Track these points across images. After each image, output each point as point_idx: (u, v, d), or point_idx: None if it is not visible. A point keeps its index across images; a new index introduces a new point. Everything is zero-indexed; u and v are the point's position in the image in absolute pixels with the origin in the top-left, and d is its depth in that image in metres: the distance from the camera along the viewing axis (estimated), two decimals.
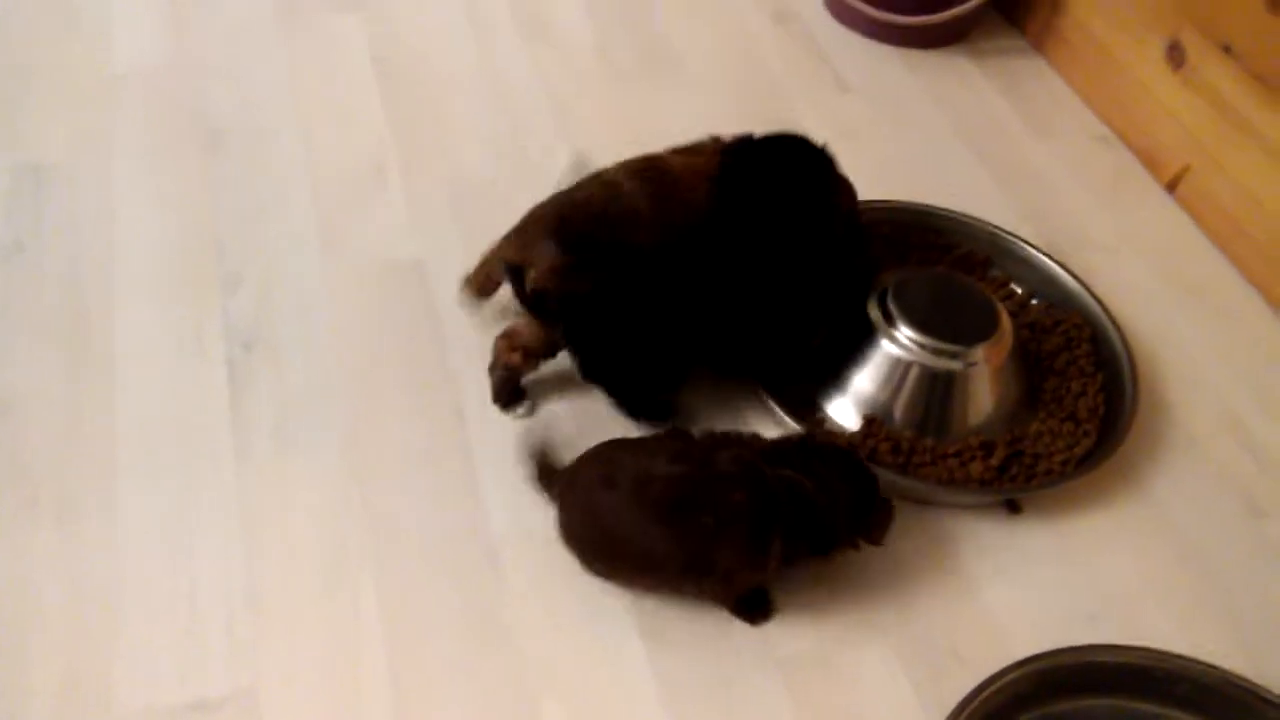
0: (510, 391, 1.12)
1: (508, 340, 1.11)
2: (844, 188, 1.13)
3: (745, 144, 1.09)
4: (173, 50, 1.49)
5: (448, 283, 1.23)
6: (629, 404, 1.11)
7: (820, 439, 1.01)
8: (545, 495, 0.99)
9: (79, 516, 1.01)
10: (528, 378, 1.12)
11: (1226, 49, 1.32)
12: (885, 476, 1.03)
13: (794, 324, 1.12)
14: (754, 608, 0.98)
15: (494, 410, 1.12)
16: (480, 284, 1.11)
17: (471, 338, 1.18)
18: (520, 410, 1.12)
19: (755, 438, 0.98)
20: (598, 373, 1.09)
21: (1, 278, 1.19)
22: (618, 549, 0.94)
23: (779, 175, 1.08)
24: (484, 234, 1.27)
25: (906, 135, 1.49)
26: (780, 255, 1.07)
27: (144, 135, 1.37)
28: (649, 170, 1.06)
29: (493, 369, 1.12)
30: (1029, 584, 1.03)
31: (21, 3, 1.54)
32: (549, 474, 0.99)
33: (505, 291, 1.07)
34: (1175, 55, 1.39)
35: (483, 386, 1.13)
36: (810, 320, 1.13)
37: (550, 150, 1.40)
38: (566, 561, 0.98)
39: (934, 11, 1.57)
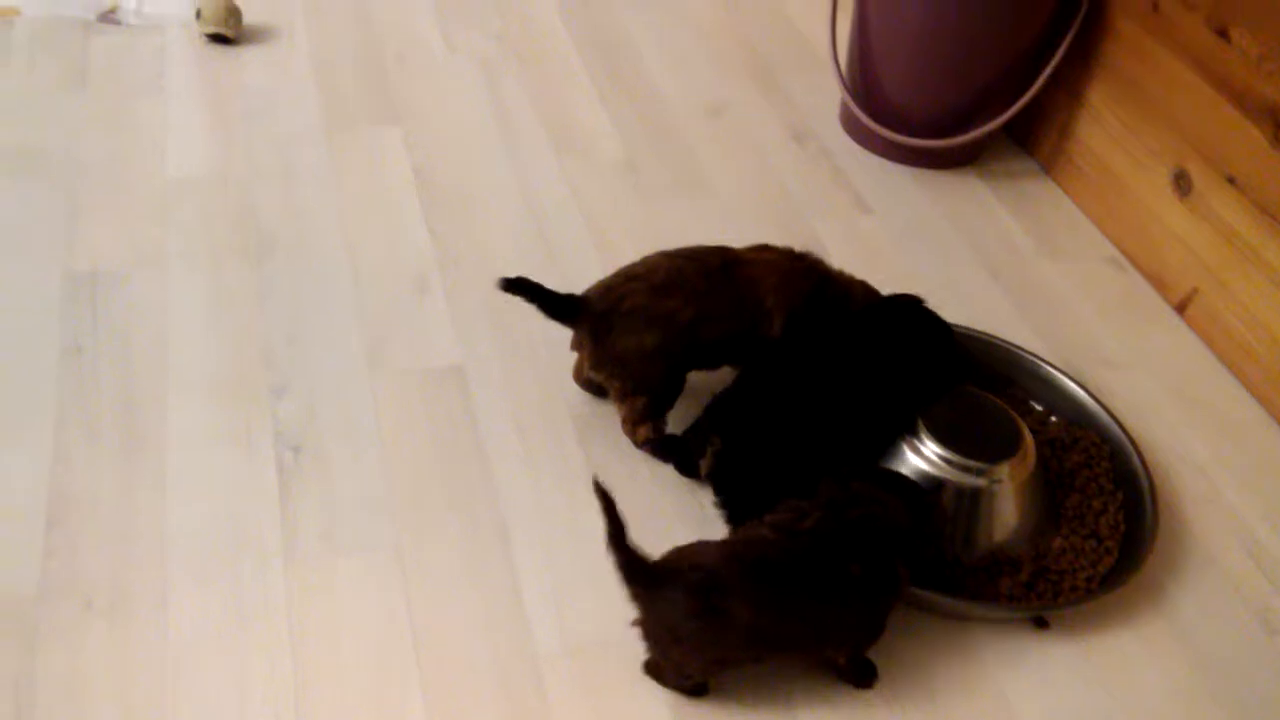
0: (670, 452, 1.21)
1: (628, 424, 1.21)
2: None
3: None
4: (223, 159, 1.56)
5: (488, 390, 1.28)
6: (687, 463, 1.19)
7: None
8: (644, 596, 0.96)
9: (131, 619, 1.03)
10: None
11: (1231, 180, 1.39)
12: (915, 591, 1.07)
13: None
14: (865, 674, 1.04)
15: (534, 525, 1.15)
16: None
17: (511, 446, 1.22)
18: (711, 449, 1.16)
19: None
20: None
21: (59, 380, 1.23)
22: (795, 613, 0.97)
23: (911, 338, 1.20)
24: (520, 342, 1.33)
25: (923, 254, 1.55)
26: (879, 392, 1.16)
27: (196, 242, 1.42)
28: (715, 255, 1.21)
29: (643, 449, 1.22)
30: (1059, 701, 1.05)
31: (77, 112, 1.60)
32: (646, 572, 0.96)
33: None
34: (1182, 184, 1.46)
35: (523, 498, 1.17)
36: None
37: (582, 260, 1.46)
38: (611, 678, 1.01)
39: (948, 135, 1.65)
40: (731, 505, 1.13)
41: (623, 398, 1.19)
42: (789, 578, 0.96)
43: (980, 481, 1.14)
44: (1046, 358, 1.33)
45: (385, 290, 1.39)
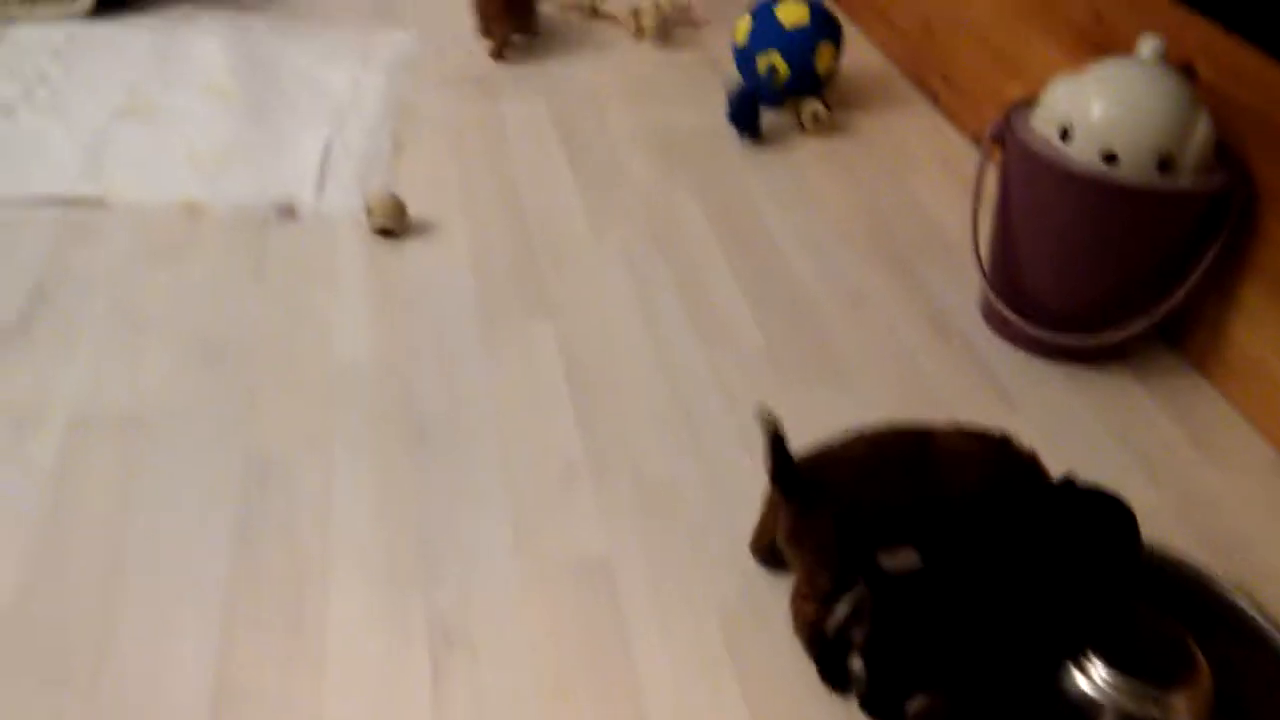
0: (821, 650, 1.19)
1: (799, 599, 1.21)
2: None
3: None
4: (386, 347, 1.64)
5: (633, 583, 1.29)
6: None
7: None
8: None
9: None
10: None
11: None
12: None
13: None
14: None
15: None
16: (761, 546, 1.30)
17: (654, 642, 1.22)
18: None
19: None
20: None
21: (230, 564, 1.29)
22: None
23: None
24: (666, 533, 1.34)
25: (1073, 454, 1.52)
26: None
27: (358, 427, 1.49)
28: (913, 438, 1.25)
29: (800, 635, 1.22)
30: None
31: (256, 302, 1.72)
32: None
33: None
34: None
35: (666, 696, 1.16)
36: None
37: (727, 451, 1.48)
38: None
39: (1094, 331, 1.63)
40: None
41: (806, 570, 1.21)
42: None
43: (1153, 711, 1.08)
44: (1210, 569, 1.28)
45: (535, 479, 1.43)
